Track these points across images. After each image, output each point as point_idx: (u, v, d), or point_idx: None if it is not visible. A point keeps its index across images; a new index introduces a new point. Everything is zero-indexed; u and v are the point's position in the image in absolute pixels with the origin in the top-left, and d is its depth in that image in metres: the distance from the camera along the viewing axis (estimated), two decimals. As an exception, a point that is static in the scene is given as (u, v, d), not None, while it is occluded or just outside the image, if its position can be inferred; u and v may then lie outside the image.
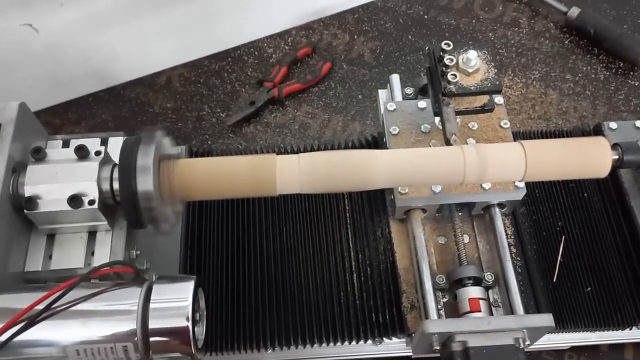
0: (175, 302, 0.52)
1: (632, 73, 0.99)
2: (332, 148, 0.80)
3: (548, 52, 1.02)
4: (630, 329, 0.71)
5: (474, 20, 1.06)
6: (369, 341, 0.70)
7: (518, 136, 0.81)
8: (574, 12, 1.02)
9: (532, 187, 0.78)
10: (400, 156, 0.58)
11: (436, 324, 0.61)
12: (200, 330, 0.56)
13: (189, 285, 0.53)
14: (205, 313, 0.58)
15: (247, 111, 0.95)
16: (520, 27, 1.06)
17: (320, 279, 0.72)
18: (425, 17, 1.07)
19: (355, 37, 1.05)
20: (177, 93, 0.99)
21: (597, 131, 0.81)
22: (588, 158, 0.58)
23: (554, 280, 0.72)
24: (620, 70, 1.00)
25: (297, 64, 1.02)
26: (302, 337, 0.69)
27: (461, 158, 0.57)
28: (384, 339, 0.70)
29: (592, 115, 0.96)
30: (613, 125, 0.80)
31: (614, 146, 0.62)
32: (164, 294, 0.53)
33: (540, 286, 0.71)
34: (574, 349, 0.75)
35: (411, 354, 0.70)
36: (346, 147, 0.81)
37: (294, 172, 0.56)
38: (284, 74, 0.99)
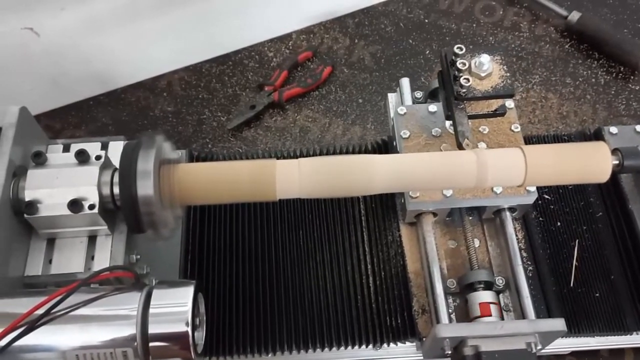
0: (175, 307, 0.52)
1: (632, 77, 1.00)
2: (333, 152, 0.80)
3: (548, 56, 1.03)
4: (630, 335, 0.71)
5: (474, 25, 1.06)
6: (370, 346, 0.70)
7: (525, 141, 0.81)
8: (575, 16, 1.02)
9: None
10: (399, 161, 0.58)
11: (449, 328, 0.61)
12: (200, 335, 0.56)
13: (189, 290, 0.53)
14: (205, 318, 0.58)
15: (247, 115, 0.96)
16: (521, 32, 1.06)
17: (338, 282, 0.72)
18: (426, 21, 1.07)
19: (356, 41, 1.05)
20: (177, 97, 0.99)
21: (598, 136, 0.81)
22: (588, 163, 0.58)
23: (571, 284, 0.72)
24: (620, 74, 1.00)
25: (297, 67, 1.02)
26: (321, 340, 0.69)
27: (461, 163, 0.57)
28: (393, 344, 0.70)
29: (593, 119, 0.96)
30: (613, 129, 0.80)
31: (615, 151, 0.62)
32: (163, 299, 0.53)
33: (552, 290, 0.71)
34: (574, 353, 0.75)
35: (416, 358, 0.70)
36: (351, 151, 0.80)
37: (294, 177, 0.56)
38: (285, 77, 0.99)
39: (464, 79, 0.64)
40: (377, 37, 1.05)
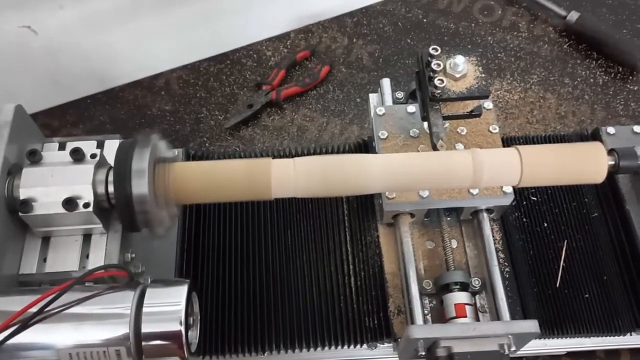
0: (169, 306, 0.52)
1: (631, 78, 0.99)
2: (330, 151, 0.80)
3: (547, 57, 1.02)
4: (624, 336, 0.71)
5: (473, 24, 1.06)
6: (364, 345, 0.70)
7: (516, 141, 0.81)
8: (573, 16, 1.02)
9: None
10: (395, 161, 0.58)
11: (421, 329, 0.61)
12: (194, 335, 0.56)
13: (183, 289, 0.53)
14: (199, 317, 0.58)
15: (245, 114, 0.95)
16: (520, 31, 1.05)
17: (323, 282, 0.73)
18: (424, 20, 1.07)
19: (354, 40, 1.05)
20: (175, 95, 0.99)
21: (595, 136, 0.81)
22: (584, 164, 0.58)
23: (557, 285, 0.72)
24: (619, 74, 1.00)
25: (295, 67, 1.02)
26: (306, 340, 0.69)
27: (456, 163, 0.57)
28: (377, 344, 0.70)
29: (591, 120, 0.96)
30: (611, 130, 0.80)
31: (611, 152, 0.63)
32: (157, 298, 0.53)
33: (530, 292, 0.71)
34: (570, 354, 0.75)
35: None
36: (343, 151, 0.81)
37: (290, 176, 0.56)
38: (283, 77, 0.99)
39: (439, 79, 0.65)
40: (375, 36, 1.05)
